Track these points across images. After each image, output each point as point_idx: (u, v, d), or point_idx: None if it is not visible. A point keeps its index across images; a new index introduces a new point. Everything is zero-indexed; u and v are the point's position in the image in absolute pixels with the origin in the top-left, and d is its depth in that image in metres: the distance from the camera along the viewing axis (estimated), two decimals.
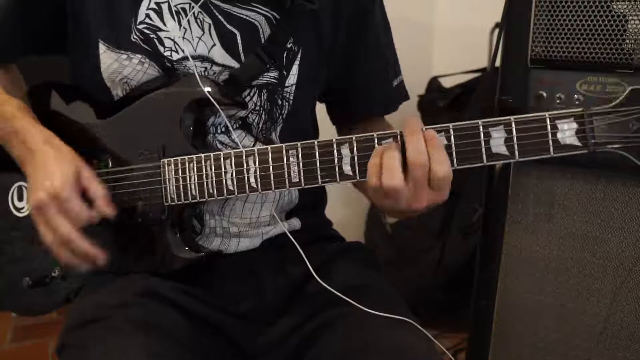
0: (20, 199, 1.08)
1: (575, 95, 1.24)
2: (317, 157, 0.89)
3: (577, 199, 1.29)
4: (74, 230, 0.93)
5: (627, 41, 1.19)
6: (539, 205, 1.33)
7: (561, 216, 1.31)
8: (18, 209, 1.09)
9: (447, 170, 0.83)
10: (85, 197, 0.95)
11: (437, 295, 2.11)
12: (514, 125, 0.82)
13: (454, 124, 0.84)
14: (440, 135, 0.84)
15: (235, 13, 1.02)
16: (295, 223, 1.13)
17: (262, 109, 1.05)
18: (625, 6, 1.18)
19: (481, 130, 0.83)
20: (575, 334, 1.32)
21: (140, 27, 1.00)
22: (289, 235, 1.00)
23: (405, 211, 0.87)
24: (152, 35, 1.00)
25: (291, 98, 1.07)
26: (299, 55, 1.06)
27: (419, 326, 0.97)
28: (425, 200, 0.84)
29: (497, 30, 1.40)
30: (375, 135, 0.87)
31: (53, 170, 0.93)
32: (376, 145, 0.86)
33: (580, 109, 0.80)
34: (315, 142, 0.89)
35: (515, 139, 0.82)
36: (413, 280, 2.13)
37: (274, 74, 1.04)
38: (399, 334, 0.95)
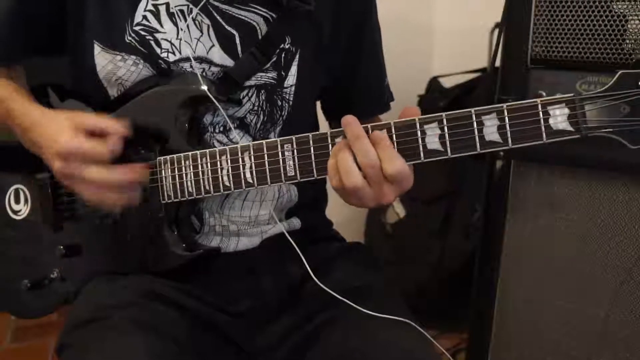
0: (17, 201, 1.08)
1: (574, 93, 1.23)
2: (312, 151, 0.89)
3: (577, 199, 1.29)
4: (105, 168, 0.91)
5: (627, 41, 1.18)
6: (539, 205, 1.33)
7: (561, 216, 1.31)
8: (15, 212, 1.09)
9: (399, 166, 0.83)
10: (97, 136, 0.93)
11: (437, 295, 2.11)
12: (506, 113, 0.82)
13: (446, 113, 0.84)
14: (434, 125, 0.84)
15: (234, 14, 1.02)
16: (295, 223, 1.13)
17: (260, 109, 1.05)
18: (625, 6, 1.18)
19: (474, 118, 0.83)
20: (575, 334, 1.32)
21: (136, 28, 1.00)
22: (285, 233, 1.00)
23: (375, 205, 0.87)
24: (148, 37, 1.00)
25: (291, 99, 1.07)
26: (297, 56, 1.06)
27: (418, 327, 0.97)
28: (390, 193, 0.85)
29: (497, 30, 1.40)
30: (328, 134, 0.87)
31: (54, 132, 0.92)
32: (329, 144, 0.87)
33: (571, 94, 0.80)
34: (310, 136, 0.89)
35: (507, 126, 0.82)
36: (413, 280, 2.13)
37: (273, 74, 1.04)
38: (399, 334, 0.95)
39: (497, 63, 1.34)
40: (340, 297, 0.96)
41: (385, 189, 0.84)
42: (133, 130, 0.98)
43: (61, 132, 0.91)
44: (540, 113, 0.81)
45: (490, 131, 0.83)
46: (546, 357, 1.37)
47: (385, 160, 0.83)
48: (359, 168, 0.83)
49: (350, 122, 0.84)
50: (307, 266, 0.98)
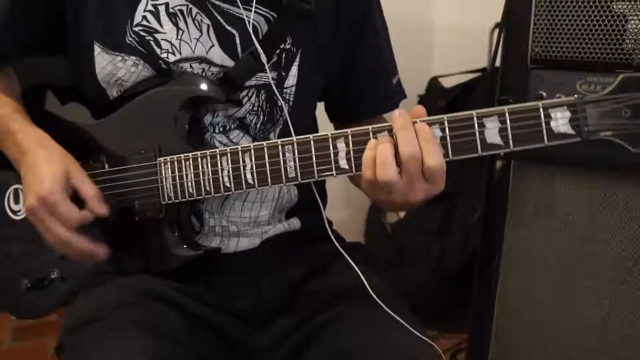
0: (17, 201, 1.08)
1: (575, 95, 1.23)
2: (313, 152, 0.89)
3: (577, 199, 1.29)
4: (68, 232, 0.93)
5: (627, 41, 1.19)
6: (539, 206, 1.33)
7: (561, 216, 1.31)
8: (15, 212, 1.09)
9: (440, 161, 0.83)
10: (78, 197, 0.95)
11: (437, 295, 2.11)
12: (507, 115, 0.82)
13: (448, 115, 0.84)
14: (435, 127, 0.84)
15: (235, 13, 1.02)
16: (295, 223, 1.13)
17: (260, 109, 1.05)
18: (625, 6, 1.18)
19: (475, 121, 0.83)
20: (575, 334, 1.32)
21: (136, 29, 1.00)
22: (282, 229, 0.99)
23: (401, 204, 0.87)
24: (148, 37, 1.00)
25: (291, 99, 1.07)
26: (298, 56, 1.06)
27: (417, 327, 0.97)
28: (421, 192, 0.85)
29: (497, 30, 1.40)
30: (370, 129, 0.87)
31: (42, 173, 0.93)
32: (371, 138, 0.86)
33: (573, 98, 0.81)
34: (311, 137, 0.89)
35: (509, 128, 0.82)
36: (413, 280, 2.13)
37: (273, 74, 1.04)
38: (399, 334, 0.95)
39: (497, 63, 1.35)
40: (360, 274, 0.97)
41: (418, 185, 0.84)
42: (133, 130, 0.98)
43: (50, 175, 0.92)
44: (542, 116, 0.81)
45: (492, 134, 0.83)
46: (546, 357, 1.37)
47: (428, 153, 0.82)
48: (397, 163, 0.83)
49: (400, 113, 0.85)
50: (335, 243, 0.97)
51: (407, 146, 0.82)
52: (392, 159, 0.83)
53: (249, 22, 1.02)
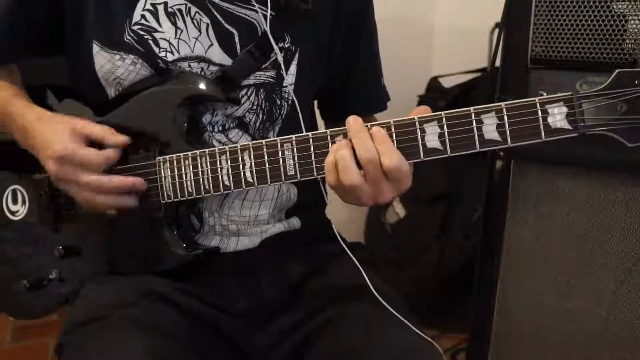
0: (15, 202, 1.08)
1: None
2: (312, 150, 0.89)
3: (577, 198, 1.29)
4: (98, 175, 0.93)
5: (627, 41, 1.19)
6: (539, 205, 1.33)
7: (561, 216, 1.31)
8: (13, 213, 1.09)
9: (397, 160, 0.83)
10: (94, 145, 0.96)
11: (437, 295, 2.11)
12: (505, 111, 0.82)
13: (445, 112, 0.84)
14: (433, 124, 0.84)
15: (234, 12, 1.02)
16: (295, 222, 1.13)
17: (259, 108, 1.05)
18: (625, 6, 1.18)
19: (473, 117, 0.83)
20: (575, 334, 1.32)
21: (134, 27, 1.00)
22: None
23: (371, 204, 0.88)
24: (146, 36, 1.00)
25: (290, 98, 1.07)
26: (297, 55, 1.06)
27: (419, 325, 0.97)
28: (387, 192, 0.85)
29: (497, 30, 1.40)
30: (328, 132, 0.88)
31: (48, 138, 0.94)
32: (329, 142, 0.87)
33: (569, 93, 0.81)
34: (310, 135, 0.89)
35: (507, 124, 0.82)
36: (413, 280, 2.13)
37: (272, 73, 1.04)
38: (399, 334, 0.95)
39: (497, 63, 1.35)
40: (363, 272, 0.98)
41: (384, 186, 0.85)
42: (132, 130, 0.98)
43: (57, 136, 0.93)
44: (539, 111, 0.81)
45: (490, 130, 0.83)
46: (546, 357, 1.37)
47: (384, 154, 0.83)
48: (359, 167, 0.84)
49: (353, 118, 0.85)
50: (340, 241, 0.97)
51: (364, 151, 0.83)
52: (352, 162, 0.84)
53: (248, 20, 1.02)
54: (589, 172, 1.27)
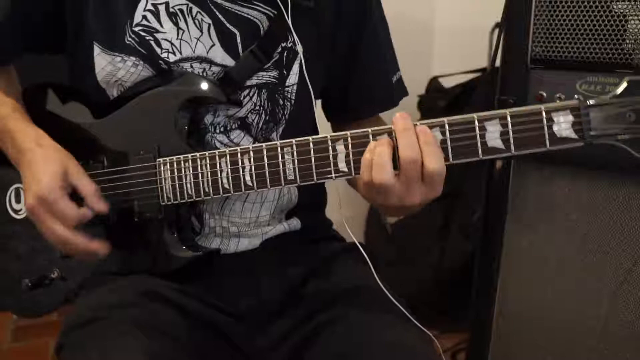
0: (18, 201, 1.08)
1: (575, 95, 1.24)
2: (312, 154, 0.88)
3: (577, 199, 1.29)
4: (67, 230, 0.93)
5: (627, 41, 1.19)
6: (539, 206, 1.33)
7: (561, 216, 1.31)
8: (16, 211, 1.09)
9: (440, 164, 0.82)
10: (77, 195, 0.96)
11: (437, 295, 2.11)
12: (509, 119, 0.81)
13: (449, 118, 0.83)
14: (435, 130, 0.83)
15: (236, 11, 1.02)
16: (295, 223, 1.13)
17: (262, 108, 1.05)
18: (625, 6, 1.18)
19: (476, 124, 0.82)
20: (575, 334, 1.32)
21: (136, 29, 1.00)
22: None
23: (398, 207, 0.86)
24: (148, 37, 1.00)
25: (293, 98, 1.07)
26: (299, 55, 1.06)
27: (419, 325, 0.97)
28: (418, 195, 0.84)
29: (497, 30, 1.40)
30: (370, 132, 0.86)
31: (40, 173, 0.94)
32: (371, 141, 0.86)
33: (576, 101, 0.79)
34: (310, 139, 0.88)
35: (510, 132, 0.81)
36: (413, 280, 2.13)
37: (274, 73, 1.04)
38: (399, 334, 0.95)
39: (497, 63, 1.35)
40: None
41: (416, 188, 0.83)
42: (133, 130, 0.98)
43: (48, 174, 0.93)
44: (544, 120, 0.79)
45: (493, 137, 0.81)
46: (546, 357, 1.37)
47: (429, 155, 0.81)
48: (395, 167, 0.82)
49: (401, 116, 0.84)
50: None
51: (408, 150, 0.81)
52: (389, 161, 0.82)
53: (250, 20, 1.02)
54: (589, 172, 1.27)
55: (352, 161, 0.87)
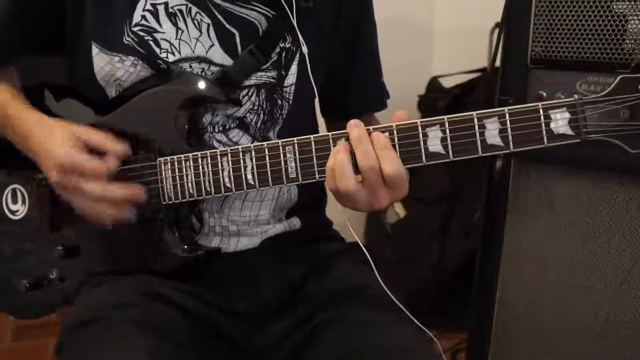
0: (15, 201, 1.08)
1: (576, 95, 1.23)
2: (314, 153, 0.89)
3: (577, 199, 1.29)
4: (101, 184, 0.93)
5: (627, 41, 1.19)
6: (539, 205, 1.33)
7: (561, 216, 1.31)
8: (13, 212, 1.09)
9: (398, 167, 0.83)
10: (95, 152, 0.95)
11: (437, 295, 2.11)
12: (507, 117, 0.82)
13: (448, 116, 0.84)
14: (435, 128, 0.84)
15: (235, 12, 1.02)
16: (295, 222, 1.13)
17: (260, 108, 1.05)
18: (625, 6, 1.18)
19: (475, 122, 0.83)
20: (575, 334, 1.32)
21: (135, 29, 1.00)
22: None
23: (367, 210, 0.88)
24: (147, 37, 1.00)
25: (291, 98, 1.07)
26: (298, 55, 1.06)
27: (420, 325, 0.97)
28: (384, 199, 0.85)
29: (497, 30, 1.40)
30: (330, 136, 0.87)
31: (51, 146, 0.94)
32: (331, 146, 0.87)
33: (572, 99, 0.81)
34: (312, 137, 0.89)
35: (509, 129, 0.82)
36: (413, 280, 2.13)
37: (272, 73, 1.04)
38: (399, 334, 0.95)
39: (497, 63, 1.35)
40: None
41: (381, 193, 0.85)
42: (133, 130, 0.98)
43: (58, 143, 0.93)
44: (542, 117, 0.81)
45: (492, 134, 0.83)
46: (546, 357, 1.37)
47: (385, 160, 0.83)
48: (357, 172, 0.84)
49: (355, 124, 0.85)
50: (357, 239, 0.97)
51: (365, 158, 0.83)
52: (349, 167, 0.84)
53: (249, 20, 1.02)
54: (589, 172, 1.27)
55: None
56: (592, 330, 1.30)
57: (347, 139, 0.86)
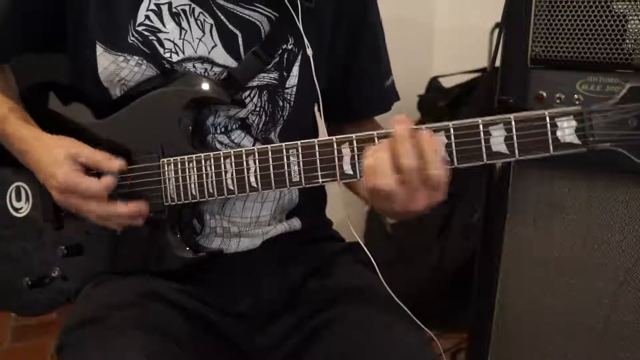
0: (19, 199, 1.08)
1: (576, 95, 1.24)
2: (318, 156, 0.88)
3: (577, 199, 1.29)
4: (103, 204, 0.94)
5: (627, 41, 1.19)
6: (539, 206, 1.33)
7: (561, 216, 1.31)
8: (16, 209, 1.09)
9: (442, 171, 0.81)
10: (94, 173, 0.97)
11: (437, 295, 2.11)
12: (513, 124, 0.81)
13: (453, 122, 0.83)
14: (440, 135, 0.83)
15: (238, 13, 1.02)
16: (296, 223, 1.13)
17: (262, 110, 1.05)
18: (625, 6, 1.18)
19: (481, 129, 0.82)
20: (575, 334, 1.32)
21: (139, 28, 1.00)
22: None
23: (402, 212, 0.85)
24: (151, 37, 1.00)
25: (292, 99, 1.07)
26: (300, 57, 1.06)
27: (420, 324, 0.97)
28: (422, 201, 0.82)
29: (497, 30, 1.40)
30: (375, 134, 0.85)
31: (49, 167, 0.95)
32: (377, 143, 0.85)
33: (579, 107, 0.80)
34: (316, 141, 0.88)
35: (515, 137, 0.81)
36: (413, 280, 2.13)
37: (274, 74, 1.04)
38: (399, 334, 0.95)
39: (497, 63, 1.35)
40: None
41: (419, 194, 0.81)
42: (136, 130, 0.98)
43: (57, 165, 0.94)
44: (548, 125, 0.80)
45: (497, 142, 0.82)
46: (546, 357, 1.37)
47: (430, 162, 0.80)
48: (397, 170, 0.81)
49: (400, 119, 0.82)
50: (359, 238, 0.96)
51: (407, 157, 0.80)
52: (389, 167, 0.81)
53: (252, 22, 1.02)
54: (589, 172, 1.27)
55: (357, 164, 0.86)
56: (592, 330, 1.30)
57: (383, 138, 0.83)
